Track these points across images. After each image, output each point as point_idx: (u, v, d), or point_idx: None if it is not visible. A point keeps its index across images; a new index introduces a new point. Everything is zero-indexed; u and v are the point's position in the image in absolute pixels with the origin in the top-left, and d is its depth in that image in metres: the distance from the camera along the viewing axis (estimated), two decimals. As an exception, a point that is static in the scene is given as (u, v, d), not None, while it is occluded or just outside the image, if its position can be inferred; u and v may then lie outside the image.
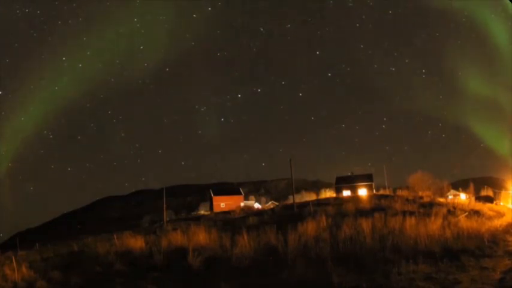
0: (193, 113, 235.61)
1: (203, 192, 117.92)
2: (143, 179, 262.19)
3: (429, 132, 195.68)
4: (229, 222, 34.74)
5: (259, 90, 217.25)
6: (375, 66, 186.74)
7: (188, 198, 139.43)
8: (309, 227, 19.64)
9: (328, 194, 68.02)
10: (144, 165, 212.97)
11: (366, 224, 18.66)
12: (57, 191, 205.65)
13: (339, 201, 45.25)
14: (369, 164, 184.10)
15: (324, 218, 24.12)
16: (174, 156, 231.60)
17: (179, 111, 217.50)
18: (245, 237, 16.84)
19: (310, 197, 67.20)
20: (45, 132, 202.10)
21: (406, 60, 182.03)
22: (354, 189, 64.57)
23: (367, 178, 66.93)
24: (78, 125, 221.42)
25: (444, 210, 29.22)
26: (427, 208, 31.67)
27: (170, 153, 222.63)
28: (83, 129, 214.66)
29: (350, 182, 67.14)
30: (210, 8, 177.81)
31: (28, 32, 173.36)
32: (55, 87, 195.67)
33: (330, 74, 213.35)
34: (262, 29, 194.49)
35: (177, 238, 20.09)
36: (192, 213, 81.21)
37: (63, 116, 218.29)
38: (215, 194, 79.86)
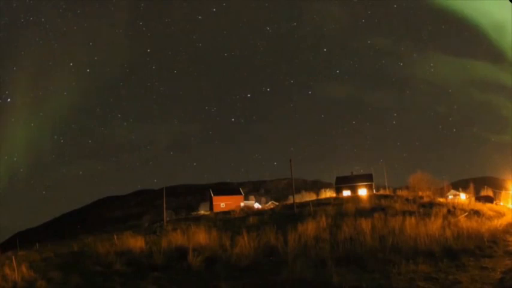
0: (203, 114, 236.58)
1: (203, 192, 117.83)
2: (155, 180, 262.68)
3: (440, 126, 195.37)
4: (229, 222, 34.72)
5: (268, 89, 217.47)
6: (383, 61, 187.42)
7: (188, 198, 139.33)
8: (309, 227, 19.65)
9: (328, 194, 67.96)
10: (155, 167, 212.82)
11: (365, 224, 18.68)
12: (59, 191, 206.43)
13: (339, 201, 45.23)
14: (381, 160, 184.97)
15: (323, 218, 24.15)
16: (186, 158, 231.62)
17: (189, 113, 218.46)
18: (245, 237, 16.83)
19: (310, 197, 67.12)
20: (56, 137, 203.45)
21: (414, 55, 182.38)
22: (354, 189, 64.54)
23: (367, 178, 66.88)
24: (88, 129, 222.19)
25: (444, 210, 29.22)
26: (427, 208, 31.68)
27: (182, 155, 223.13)
28: (93, 133, 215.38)
29: (350, 182, 67.10)
30: (214, 9, 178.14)
31: (34, 40, 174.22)
32: (64, 92, 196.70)
33: (338, 71, 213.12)
34: (268, 28, 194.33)
35: (177, 238, 20.09)
36: (192, 213, 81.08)
37: (73, 121, 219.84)
38: (215, 194, 79.78)
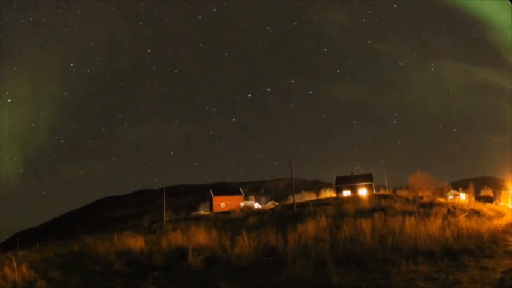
0: (203, 114, 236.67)
1: (203, 192, 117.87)
2: (156, 180, 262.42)
3: (440, 126, 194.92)
4: (229, 222, 34.73)
5: (268, 89, 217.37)
6: (383, 61, 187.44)
7: (188, 198, 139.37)
8: (309, 227, 19.66)
9: (328, 194, 67.97)
10: (156, 167, 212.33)
11: (365, 224, 18.67)
12: (59, 191, 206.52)
13: (339, 201, 45.24)
14: (381, 160, 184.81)
15: (323, 218, 24.14)
16: (186, 158, 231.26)
17: (189, 113, 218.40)
18: (245, 237, 16.83)
19: (310, 197, 67.12)
20: (56, 137, 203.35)
21: (414, 54, 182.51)
22: (354, 189, 64.54)
23: (367, 178, 66.88)
24: (89, 130, 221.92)
25: (444, 210, 29.24)
26: (427, 208, 31.69)
27: (182, 155, 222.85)
28: (94, 133, 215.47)
29: (350, 182, 67.10)
30: (214, 9, 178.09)
31: (34, 40, 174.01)
32: (64, 92, 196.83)
33: (338, 71, 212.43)
34: (268, 28, 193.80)
35: (177, 238, 20.09)
36: (192, 213, 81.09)
37: (74, 121, 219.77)
38: (215, 194, 79.77)
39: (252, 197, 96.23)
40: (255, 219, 33.05)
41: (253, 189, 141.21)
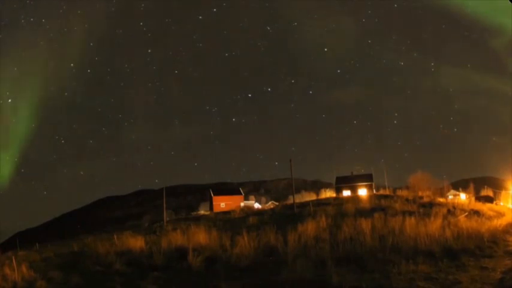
0: (204, 114, 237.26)
1: (203, 192, 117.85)
2: (156, 180, 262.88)
3: (440, 126, 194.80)
4: (229, 222, 34.74)
5: (269, 89, 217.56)
6: (384, 61, 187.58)
7: (188, 198, 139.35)
8: (309, 227, 19.67)
9: (328, 194, 67.96)
10: (156, 167, 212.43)
11: (366, 224, 18.68)
12: (59, 191, 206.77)
13: (339, 201, 45.25)
14: (382, 160, 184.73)
15: (323, 218, 24.15)
16: (186, 158, 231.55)
17: (190, 113, 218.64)
18: (245, 237, 16.84)
19: (310, 197, 67.12)
20: (57, 137, 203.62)
21: (414, 54, 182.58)
22: (354, 189, 64.53)
23: (367, 178, 66.87)
24: (89, 130, 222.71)
25: (444, 210, 29.25)
26: (427, 208, 31.70)
27: (182, 155, 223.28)
28: (94, 133, 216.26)
29: (350, 182, 67.09)
30: (215, 9, 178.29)
31: (35, 41, 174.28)
32: (65, 93, 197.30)
33: (339, 71, 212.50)
34: (268, 28, 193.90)
35: (177, 238, 20.09)
36: (192, 213, 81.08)
37: (74, 121, 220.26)
38: (215, 194, 79.78)
39: (252, 197, 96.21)
40: (255, 219, 33.06)
41: (253, 189, 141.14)
